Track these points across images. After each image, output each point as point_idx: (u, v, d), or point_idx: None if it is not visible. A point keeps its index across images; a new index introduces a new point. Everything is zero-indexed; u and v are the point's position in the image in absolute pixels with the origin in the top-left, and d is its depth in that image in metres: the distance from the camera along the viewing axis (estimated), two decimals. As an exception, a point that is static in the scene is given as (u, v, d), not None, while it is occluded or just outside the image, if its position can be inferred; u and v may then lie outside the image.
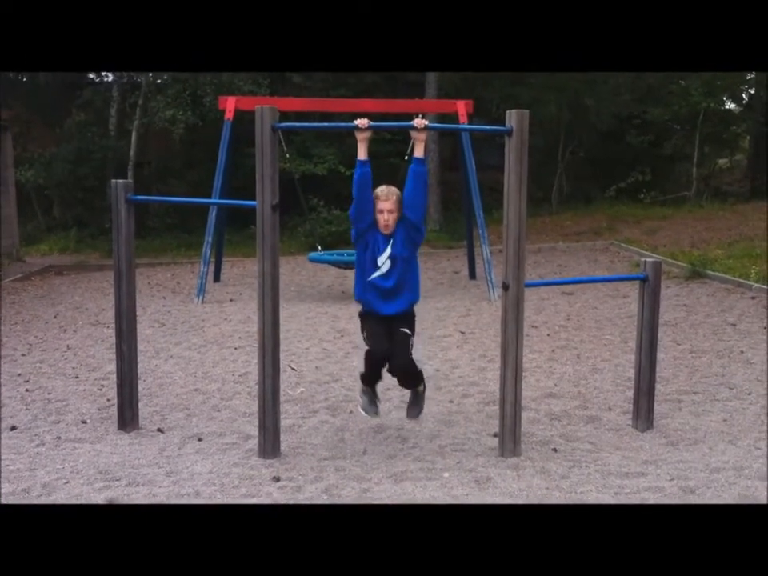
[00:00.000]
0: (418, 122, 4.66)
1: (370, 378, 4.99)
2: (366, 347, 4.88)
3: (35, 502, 4.10)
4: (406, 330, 4.85)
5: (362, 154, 4.72)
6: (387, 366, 4.82)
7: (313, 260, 11.32)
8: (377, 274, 4.81)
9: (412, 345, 4.86)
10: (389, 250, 4.77)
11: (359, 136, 4.71)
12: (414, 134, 4.78)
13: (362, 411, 5.10)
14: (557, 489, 4.26)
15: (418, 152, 4.78)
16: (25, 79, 20.25)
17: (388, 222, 4.75)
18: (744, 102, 22.14)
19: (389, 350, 4.77)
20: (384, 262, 4.79)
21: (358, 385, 5.18)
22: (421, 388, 5.06)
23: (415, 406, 5.08)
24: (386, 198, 4.74)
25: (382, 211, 4.74)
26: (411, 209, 4.77)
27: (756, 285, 10.33)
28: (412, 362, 4.85)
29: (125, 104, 18.56)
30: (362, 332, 5.02)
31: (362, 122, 4.63)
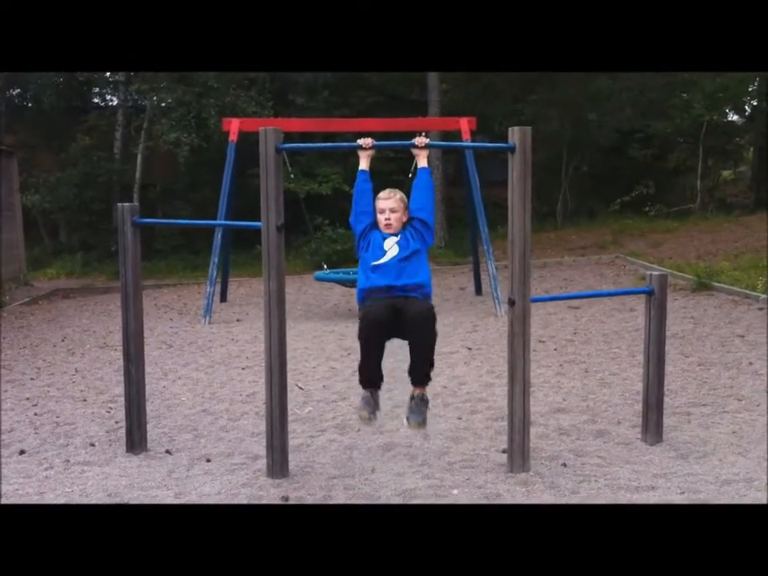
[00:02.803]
0: (419, 140, 4.69)
1: (368, 373, 4.57)
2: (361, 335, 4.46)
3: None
4: (427, 304, 4.52)
5: (363, 165, 4.74)
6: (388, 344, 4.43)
7: (319, 279, 11.35)
8: (383, 259, 4.57)
9: (435, 322, 4.53)
10: (396, 237, 4.64)
11: (362, 154, 4.74)
12: (415, 151, 4.79)
13: (358, 414, 4.71)
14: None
15: (422, 163, 4.79)
16: (30, 105, 20.43)
17: (390, 221, 4.66)
18: (747, 113, 22.17)
19: (392, 322, 4.39)
20: (391, 246, 4.61)
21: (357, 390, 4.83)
22: (426, 394, 4.73)
23: (418, 413, 4.65)
24: (387, 196, 4.70)
25: (383, 210, 4.67)
26: (419, 211, 4.73)
27: (763, 296, 10.29)
28: (434, 332, 4.51)
29: (129, 127, 18.72)
30: (360, 323, 4.52)
31: (365, 141, 4.66)
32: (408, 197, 4.83)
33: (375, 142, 4.70)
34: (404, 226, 4.75)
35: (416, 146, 4.70)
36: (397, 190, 4.81)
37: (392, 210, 4.69)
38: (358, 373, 4.72)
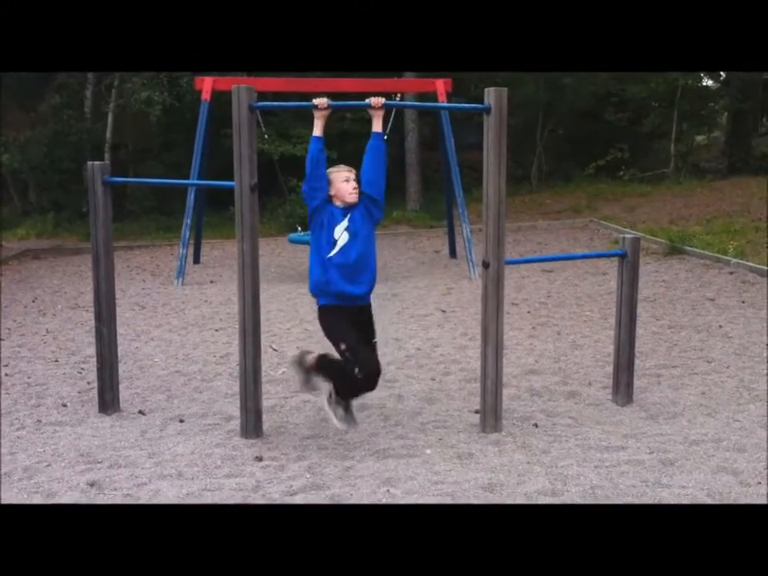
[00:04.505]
0: (375, 100, 4.52)
1: (351, 393, 4.62)
2: (347, 363, 4.40)
3: (16, 484, 4.09)
4: (376, 341, 4.67)
5: (317, 130, 4.50)
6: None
7: (293, 241, 11.28)
8: (335, 250, 4.44)
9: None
10: (345, 223, 4.47)
11: (317, 114, 4.50)
12: (371, 112, 4.58)
13: (337, 424, 4.58)
14: (537, 463, 4.30)
15: (376, 126, 4.56)
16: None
17: (356, 190, 4.49)
18: (721, 78, 22.18)
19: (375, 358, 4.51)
20: (341, 234, 4.44)
21: (326, 397, 4.64)
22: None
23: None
24: (350, 169, 4.54)
25: (348, 179, 4.49)
26: (370, 185, 4.51)
27: (734, 260, 10.42)
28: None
29: (100, 86, 18.33)
30: (330, 335, 4.51)
31: (320, 101, 4.47)
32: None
33: (331, 102, 4.52)
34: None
35: (371, 107, 4.53)
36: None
37: (355, 180, 4.53)
38: (336, 392, 4.59)
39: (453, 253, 12.82)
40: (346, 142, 16.50)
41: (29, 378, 6.22)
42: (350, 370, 4.36)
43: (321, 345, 5.23)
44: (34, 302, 9.76)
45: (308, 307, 8.93)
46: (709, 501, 3.80)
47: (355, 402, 4.78)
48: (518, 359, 6.49)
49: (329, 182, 4.50)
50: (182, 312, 8.91)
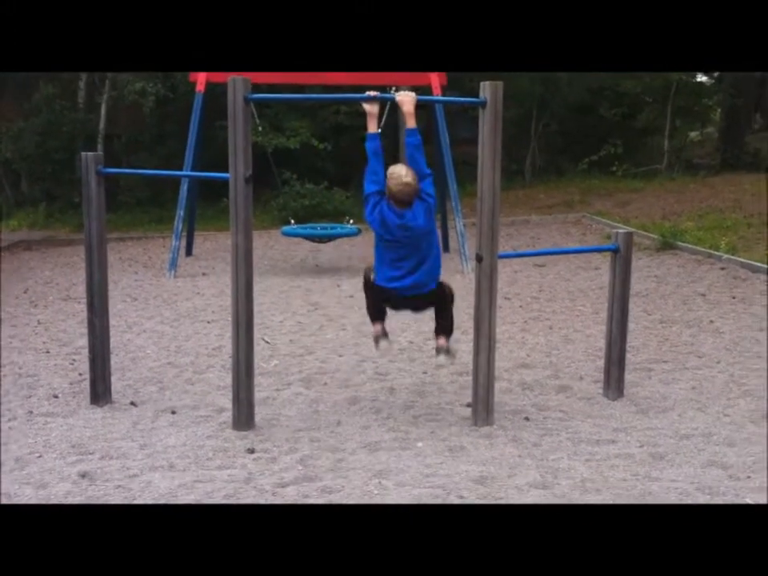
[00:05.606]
0: (401, 98, 4.71)
1: (374, 312, 5.09)
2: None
3: (7, 476, 4.08)
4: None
5: (372, 127, 4.72)
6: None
7: (286, 234, 11.28)
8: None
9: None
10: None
11: (370, 111, 4.72)
12: (406, 108, 4.73)
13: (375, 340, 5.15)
14: (529, 456, 4.32)
15: (410, 123, 4.73)
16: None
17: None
18: (715, 74, 22.21)
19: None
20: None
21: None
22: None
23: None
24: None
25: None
26: (423, 179, 4.71)
27: (725, 256, 10.45)
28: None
29: (93, 77, 18.26)
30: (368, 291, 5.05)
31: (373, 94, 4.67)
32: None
33: (379, 94, 4.70)
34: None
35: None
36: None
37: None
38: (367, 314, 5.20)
39: (446, 247, 12.81)
40: (340, 135, 16.50)
41: (20, 368, 6.20)
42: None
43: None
44: (25, 292, 9.73)
45: (300, 300, 8.94)
46: (699, 495, 3.82)
47: (349, 394, 4.78)
48: (510, 353, 6.51)
49: None
50: (175, 304, 8.90)
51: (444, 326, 5.05)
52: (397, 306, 5.05)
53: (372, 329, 5.14)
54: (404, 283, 4.77)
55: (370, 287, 5.00)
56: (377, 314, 5.10)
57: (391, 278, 4.79)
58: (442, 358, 5.08)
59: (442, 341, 5.03)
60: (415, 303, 4.97)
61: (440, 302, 4.99)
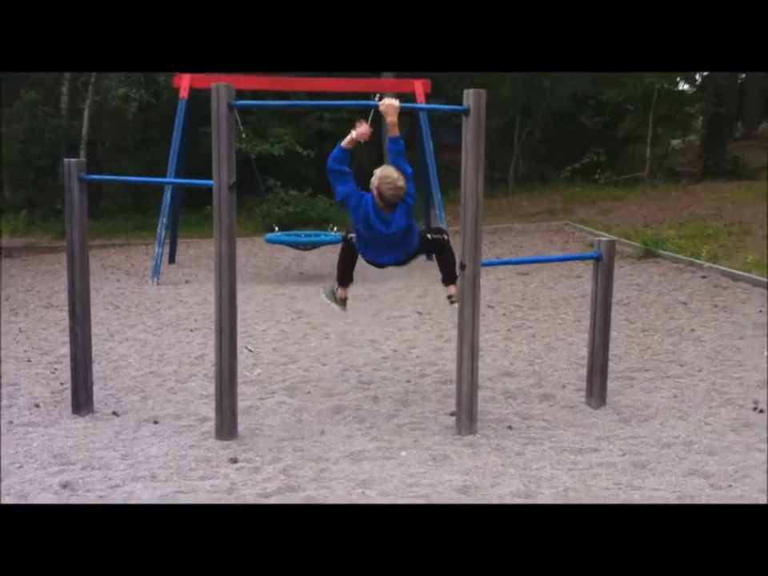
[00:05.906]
0: (385, 107, 4.75)
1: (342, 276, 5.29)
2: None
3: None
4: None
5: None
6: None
7: (270, 241, 11.26)
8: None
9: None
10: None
11: (354, 136, 4.82)
12: (385, 117, 4.80)
13: (324, 297, 5.43)
14: (512, 465, 4.33)
15: (393, 132, 4.80)
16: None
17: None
18: (697, 82, 22.39)
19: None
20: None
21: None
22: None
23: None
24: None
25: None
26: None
27: (707, 264, 10.52)
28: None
29: (76, 82, 18.16)
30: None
31: (361, 131, 4.79)
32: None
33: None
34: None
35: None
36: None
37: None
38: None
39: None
40: (324, 142, 16.48)
41: (0, 377, 6.15)
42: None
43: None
44: (6, 300, 9.65)
45: (284, 308, 8.91)
46: (680, 503, 3.83)
47: (333, 403, 4.81)
48: (494, 361, 6.52)
49: None
50: (157, 312, 8.86)
51: (446, 274, 5.15)
52: (381, 267, 5.34)
53: (338, 290, 5.36)
54: (384, 260, 5.14)
55: (349, 250, 5.19)
56: (345, 280, 5.33)
57: (373, 256, 5.09)
58: (456, 305, 5.10)
59: (450, 289, 5.09)
60: (399, 265, 5.27)
61: (431, 251, 5.36)
